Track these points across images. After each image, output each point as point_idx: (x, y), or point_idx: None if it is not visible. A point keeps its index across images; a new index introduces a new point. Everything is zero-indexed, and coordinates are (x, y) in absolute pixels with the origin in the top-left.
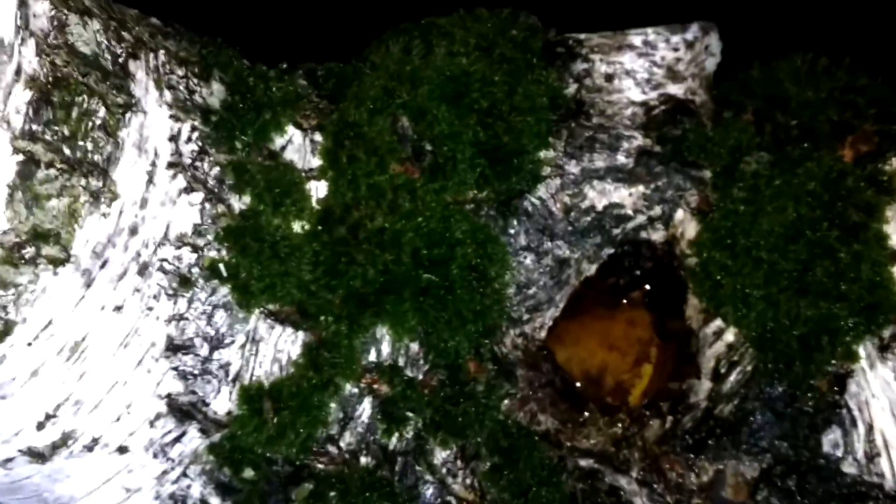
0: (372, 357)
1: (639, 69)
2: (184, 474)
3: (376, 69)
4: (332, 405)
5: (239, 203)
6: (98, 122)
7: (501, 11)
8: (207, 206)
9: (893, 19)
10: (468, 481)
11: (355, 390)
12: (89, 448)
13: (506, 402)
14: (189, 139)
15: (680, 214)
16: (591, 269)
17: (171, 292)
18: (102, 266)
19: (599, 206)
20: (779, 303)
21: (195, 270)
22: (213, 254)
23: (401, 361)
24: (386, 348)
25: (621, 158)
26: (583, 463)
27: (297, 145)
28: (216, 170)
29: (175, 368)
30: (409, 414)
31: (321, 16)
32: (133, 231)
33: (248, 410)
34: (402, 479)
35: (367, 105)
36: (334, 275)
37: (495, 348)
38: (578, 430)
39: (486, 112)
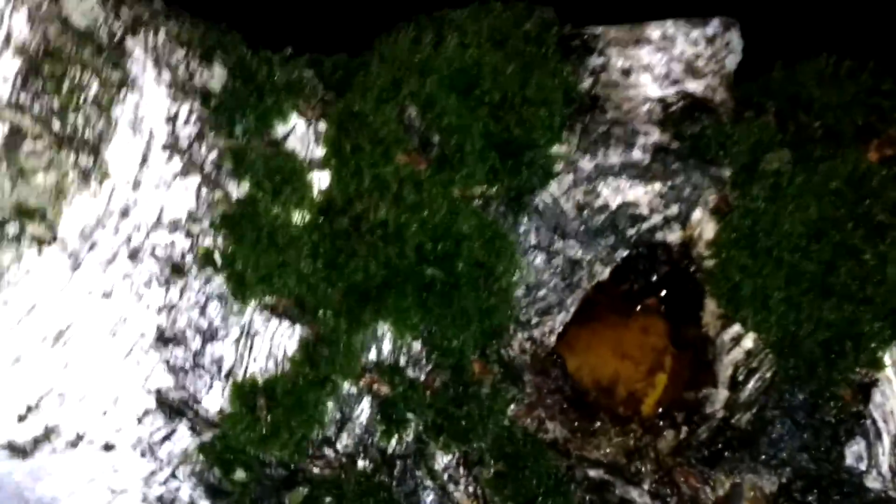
0: (372, 356)
1: (656, 64)
2: (172, 475)
3: (384, 60)
4: (329, 405)
5: (237, 190)
6: (91, 97)
7: (516, 5)
8: (204, 191)
9: None
10: (471, 489)
11: (354, 390)
12: (73, 444)
13: (512, 407)
14: (187, 121)
15: (698, 214)
16: (604, 273)
17: (162, 280)
18: (91, 249)
19: (613, 205)
20: (800, 305)
21: (188, 258)
22: (208, 241)
23: (402, 361)
24: (387, 347)
25: (637, 154)
26: (592, 473)
27: (299, 134)
28: (214, 154)
29: (165, 361)
30: (410, 416)
31: (330, 9)
32: (124, 213)
33: (240, 408)
34: (401, 485)
35: (374, 94)
36: (334, 268)
37: (502, 351)
38: (588, 440)
39: (497, 104)
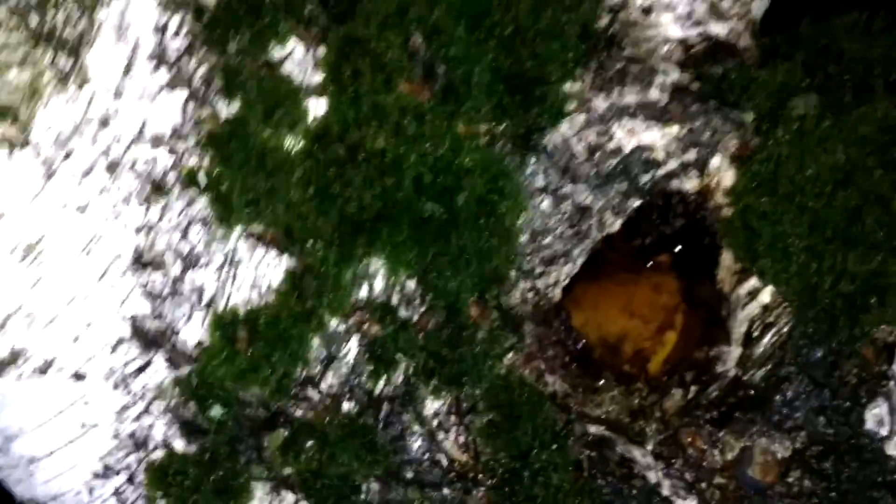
0: (363, 293)
1: (679, 3)
2: (146, 411)
3: None
4: (315, 342)
5: (226, 109)
6: None
7: None
8: (190, 107)
9: None
10: (461, 439)
11: (342, 328)
12: (41, 371)
13: (510, 355)
14: (177, 34)
15: (716, 161)
16: (614, 224)
17: (142, 198)
18: (66, 157)
19: (627, 148)
20: (823, 255)
21: (171, 177)
22: (193, 161)
23: (394, 300)
24: (379, 284)
25: (654, 94)
26: (592, 429)
27: (297, 60)
28: (204, 69)
29: (143, 286)
30: (400, 357)
31: None
32: (104, 123)
33: (219, 339)
34: (387, 428)
35: (378, 20)
36: (326, 197)
37: (502, 298)
38: (590, 397)
39: (509, 36)
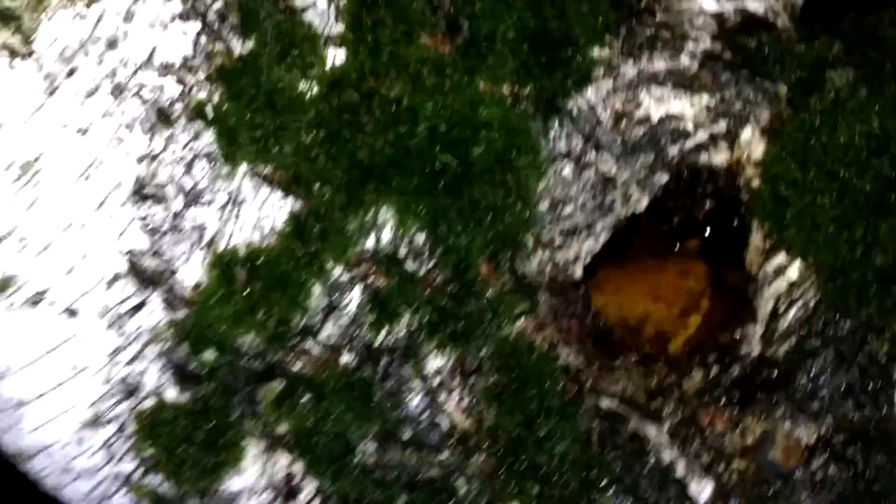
0: (370, 244)
1: None
2: (139, 355)
3: None
4: (316, 290)
5: (240, 47)
6: None
7: None
8: (203, 39)
9: None
10: (464, 402)
11: (345, 277)
12: (33, 302)
13: (521, 321)
14: None
15: (748, 133)
16: (640, 202)
17: (147, 126)
18: (70, 75)
19: (655, 117)
20: (853, 225)
21: (178, 107)
22: (202, 95)
23: (402, 252)
24: (387, 236)
25: (685, 61)
26: (605, 403)
27: (320, 10)
28: (219, 4)
29: (142, 219)
30: (404, 309)
31: None
32: (111, 44)
33: (217, 278)
34: (385, 380)
35: None
36: (337, 140)
37: (517, 264)
38: (605, 374)
39: None
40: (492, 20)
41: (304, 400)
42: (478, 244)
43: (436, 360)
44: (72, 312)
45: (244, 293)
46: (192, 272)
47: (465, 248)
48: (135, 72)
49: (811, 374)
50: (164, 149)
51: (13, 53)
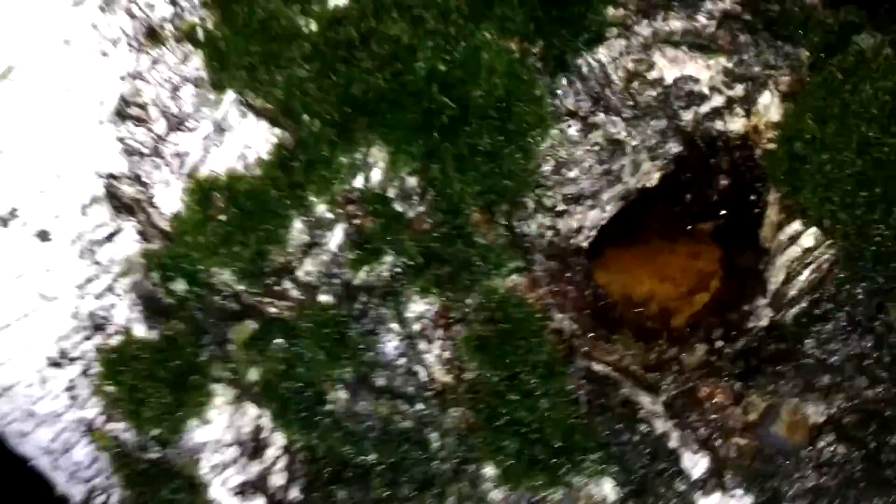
0: (358, 182)
1: None
2: (109, 288)
3: None
4: (297, 224)
5: None
6: None
7: None
8: None
9: None
10: (446, 354)
11: (329, 214)
12: (3, 222)
13: (513, 277)
14: None
15: (766, 98)
16: (651, 174)
17: (135, 44)
18: None
19: (669, 79)
20: (873, 184)
21: (168, 28)
22: (194, 18)
23: (391, 193)
24: (377, 176)
25: (702, 20)
26: (597, 367)
27: None
28: None
29: (121, 140)
30: (388, 248)
31: None
32: None
33: (194, 204)
34: (361, 320)
35: None
36: (332, 74)
37: (514, 221)
38: (600, 344)
39: None
40: None
41: (276, 342)
42: (472, 191)
43: (418, 305)
44: (44, 235)
45: (220, 216)
46: (169, 201)
47: (459, 194)
48: None
49: (821, 341)
50: (151, 68)
51: None
